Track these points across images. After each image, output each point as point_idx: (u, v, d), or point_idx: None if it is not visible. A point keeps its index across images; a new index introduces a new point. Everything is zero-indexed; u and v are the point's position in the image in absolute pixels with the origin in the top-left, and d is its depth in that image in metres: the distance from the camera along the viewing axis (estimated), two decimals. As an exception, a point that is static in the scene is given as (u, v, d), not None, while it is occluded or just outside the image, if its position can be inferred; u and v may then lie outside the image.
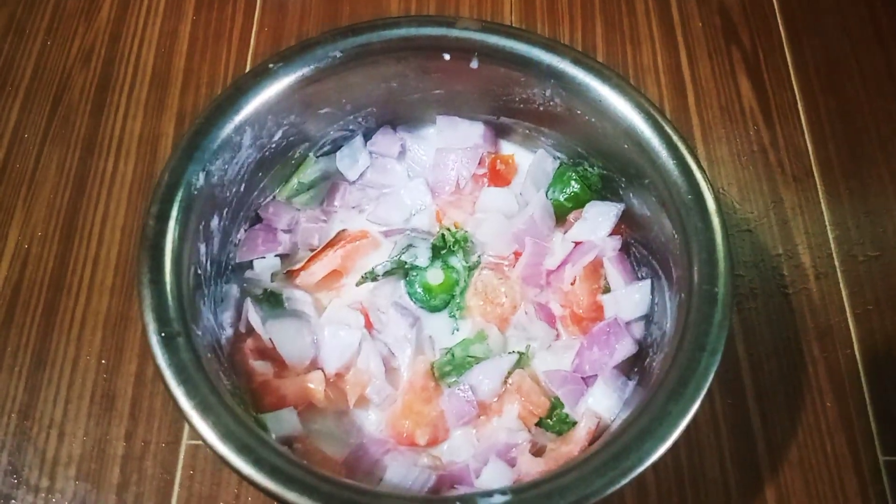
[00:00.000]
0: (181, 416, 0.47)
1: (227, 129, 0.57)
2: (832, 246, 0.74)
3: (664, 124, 0.57)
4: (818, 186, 0.77)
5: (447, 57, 0.61)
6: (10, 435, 0.64)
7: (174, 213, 0.53)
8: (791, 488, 0.63)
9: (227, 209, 0.60)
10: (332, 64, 0.60)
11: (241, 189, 0.61)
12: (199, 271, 0.56)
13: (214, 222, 0.58)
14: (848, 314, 0.70)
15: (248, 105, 0.57)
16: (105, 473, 0.63)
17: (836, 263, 0.73)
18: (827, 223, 0.75)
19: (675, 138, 0.56)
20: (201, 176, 0.55)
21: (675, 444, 0.47)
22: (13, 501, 0.61)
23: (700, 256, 0.52)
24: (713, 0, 0.87)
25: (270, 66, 0.59)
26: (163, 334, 0.49)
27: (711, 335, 0.50)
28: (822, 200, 0.76)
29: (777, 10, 0.87)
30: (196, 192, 0.54)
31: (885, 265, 0.72)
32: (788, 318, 0.70)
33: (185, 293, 0.51)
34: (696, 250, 0.53)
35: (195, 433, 0.61)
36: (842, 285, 0.72)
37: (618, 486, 0.45)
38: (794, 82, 0.82)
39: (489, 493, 0.45)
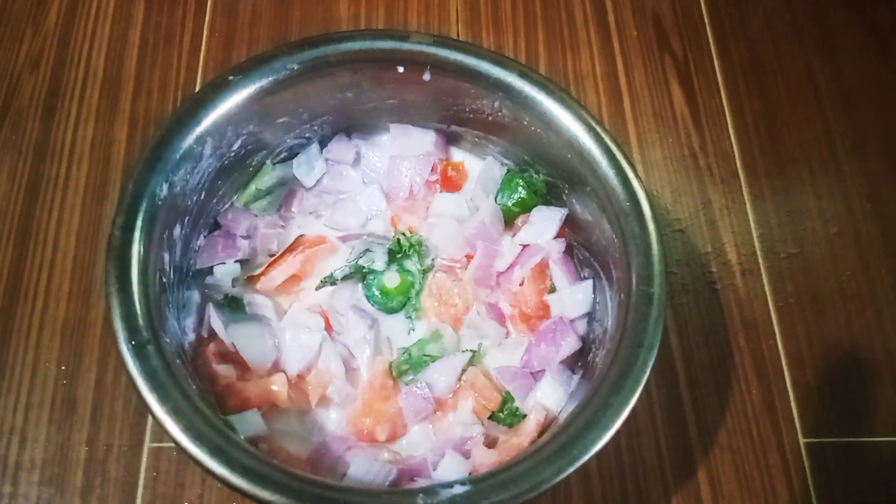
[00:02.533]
0: (155, 421, 0.49)
1: (189, 140, 0.58)
2: (756, 244, 0.79)
3: (604, 135, 0.61)
4: (743, 188, 0.82)
5: (401, 69, 0.64)
6: (-31, 442, 0.64)
7: (139, 223, 0.55)
8: (721, 470, 0.69)
9: (188, 217, 0.61)
10: (290, 76, 0.62)
11: (202, 197, 0.62)
12: (164, 279, 0.57)
13: (177, 231, 0.60)
14: (771, 307, 0.76)
15: (208, 117, 0.59)
16: (68, 477, 0.64)
17: (760, 260, 0.78)
18: (751, 222, 0.80)
19: (613, 148, 0.60)
20: (164, 186, 0.57)
21: (617, 433, 0.51)
22: (-24, 508, 0.62)
23: (637, 259, 0.57)
24: (647, 9, 0.92)
25: (230, 78, 0.60)
26: (133, 342, 0.50)
27: (648, 332, 0.54)
28: (747, 201, 0.81)
29: (706, 19, 0.92)
30: (160, 203, 0.56)
31: (804, 261, 0.78)
32: (717, 312, 0.75)
33: (153, 301, 0.53)
34: (633, 253, 0.57)
35: (160, 436, 0.65)
36: (765, 280, 0.77)
37: (566, 474, 0.49)
38: (721, 88, 0.88)
39: (449, 484, 0.49)
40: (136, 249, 0.54)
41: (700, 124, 0.85)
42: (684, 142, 0.84)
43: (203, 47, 0.84)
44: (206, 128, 0.59)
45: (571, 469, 0.50)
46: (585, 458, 0.50)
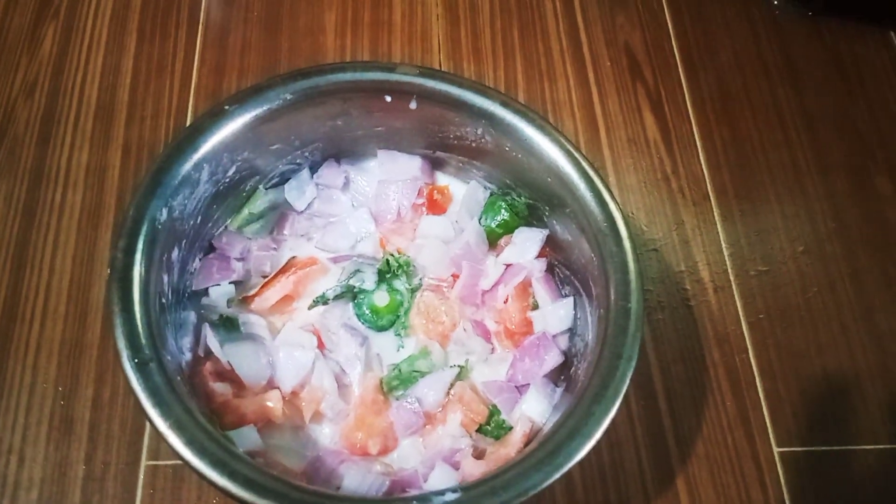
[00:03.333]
0: (159, 436, 0.51)
1: (187, 166, 0.61)
2: (727, 262, 0.83)
3: (581, 161, 0.64)
4: (714, 209, 0.86)
5: (388, 98, 0.67)
6: (-32, 462, 0.66)
7: (140, 246, 0.57)
8: (698, 478, 0.72)
9: (185, 241, 0.64)
10: (283, 105, 0.65)
11: (198, 221, 0.65)
12: (163, 300, 0.60)
13: (175, 253, 0.62)
14: (742, 323, 0.80)
15: (206, 143, 0.62)
16: (67, 495, 0.65)
17: (731, 278, 0.82)
18: (722, 242, 0.84)
19: (591, 173, 0.64)
20: (164, 211, 0.59)
21: (599, 442, 0.54)
22: (-26, 527, 0.64)
23: (615, 276, 0.60)
24: (619, 41, 0.97)
25: (226, 107, 0.63)
26: (136, 360, 0.53)
27: (627, 344, 0.57)
28: (717, 222, 0.85)
29: (676, 51, 0.97)
30: (159, 227, 0.59)
31: (773, 279, 0.82)
32: (692, 327, 0.79)
33: (154, 321, 0.56)
34: (611, 271, 0.60)
35: (157, 453, 0.67)
36: (736, 297, 0.81)
37: (552, 480, 0.52)
38: (691, 115, 0.92)
39: (441, 492, 0.51)
40: (138, 271, 0.56)
41: (672, 150, 0.89)
42: (657, 166, 0.88)
43: (194, 76, 0.87)
44: (203, 154, 0.62)
45: (557, 475, 0.52)
46: (570, 464, 0.53)
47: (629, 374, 0.56)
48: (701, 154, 0.89)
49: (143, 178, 0.60)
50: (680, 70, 0.95)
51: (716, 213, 0.86)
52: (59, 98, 0.84)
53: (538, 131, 0.65)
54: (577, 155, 0.64)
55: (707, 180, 0.88)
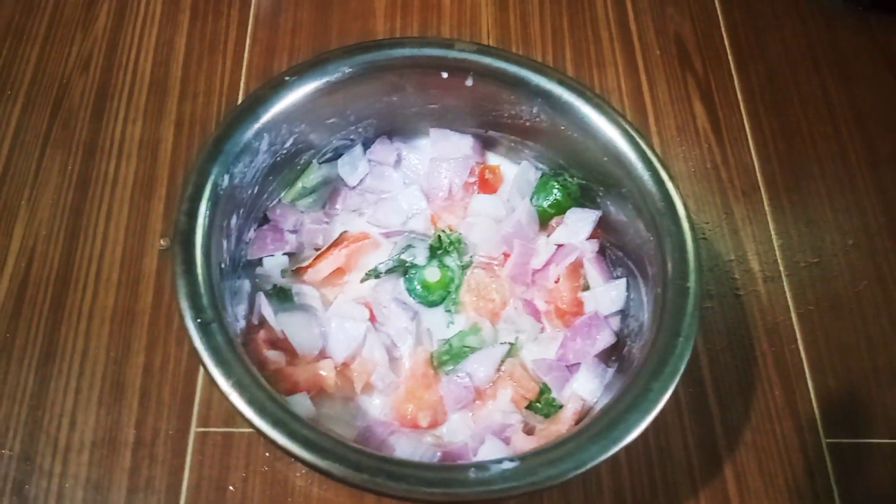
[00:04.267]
0: (228, 405, 0.51)
1: (248, 134, 0.62)
2: (777, 253, 0.82)
3: (639, 140, 0.64)
4: (764, 200, 0.85)
5: (445, 75, 0.67)
6: (21, 423, 0.66)
7: (202, 209, 0.58)
8: (746, 466, 0.71)
9: (242, 209, 0.64)
10: (342, 78, 0.65)
11: (255, 191, 0.65)
12: (223, 266, 0.60)
13: (233, 221, 0.62)
14: (792, 313, 0.79)
15: (266, 113, 0.62)
16: (117, 458, 0.66)
17: (781, 268, 0.81)
18: (772, 233, 0.83)
19: (648, 152, 0.64)
20: (226, 177, 0.60)
21: (647, 427, 0.54)
22: (27, 486, 0.64)
23: (673, 255, 0.60)
24: (669, 31, 0.96)
25: (287, 78, 0.64)
26: (199, 320, 0.53)
27: (685, 323, 0.57)
28: (767, 212, 0.85)
29: (726, 42, 0.96)
30: (221, 192, 0.59)
31: (823, 271, 0.81)
32: (740, 317, 0.78)
33: (215, 283, 0.56)
34: (669, 250, 0.60)
35: (206, 420, 0.67)
36: (786, 288, 0.80)
37: (609, 454, 0.52)
38: (741, 106, 0.91)
39: (499, 461, 0.51)
40: (200, 234, 0.57)
41: (722, 139, 0.89)
42: (707, 155, 0.87)
43: (246, 55, 0.88)
44: (263, 123, 0.62)
45: (614, 449, 0.52)
46: (627, 439, 0.52)
47: (687, 353, 0.56)
48: (751, 144, 0.89)
49: (204, 144, 0.60)
50: (730, 61, 0.94)
51: (766, 204, 0.85)
52: (113, 72, 0.85)
53: (595, 110, 0.65)
54: (634, 134, 0.64)
55: (757, 171, 0.87)
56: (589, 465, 0.51)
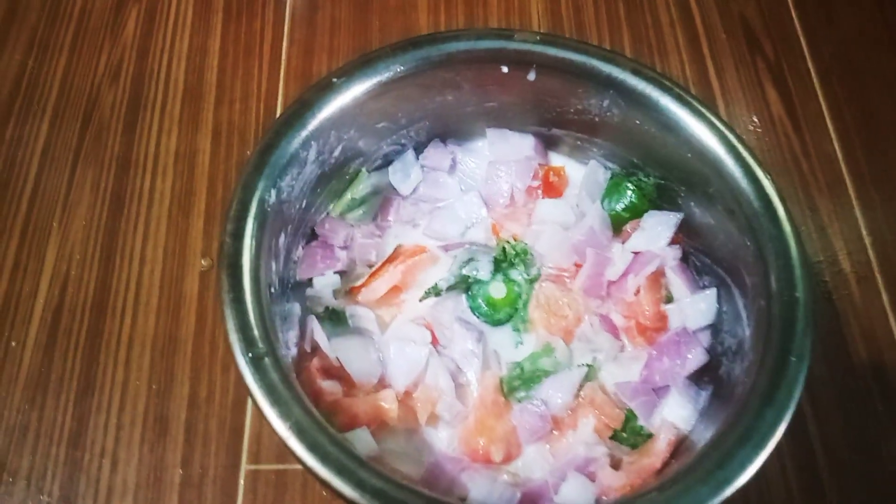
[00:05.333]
0: (279, 440, 0.45)
1: (295, 143, 0.56)
2: (870, 251, 0.75)
3: (728, 134, 0.57)
4: (851, 193, 0.78)
5: (505, 69, 0.61)
6: (60, 465, 0.62)
7: (249, 229, 0.52)
8: (849, 490, 0.64)
9: (290, 226, 0.59)
10: (393, 78, 0.59)
11: (303, 205, 0.60)
12: (272, 290, 0.54)
13: (282, 239, 0.57)
14: (890, 317, 0.71)
15: (314, 119, 0.57)
16: (163, 502, 0.61)
17: (875, 268, 0.74)
18: (862, 229, 0.76)
19: (740, 148, 0.57)
20: (273, 192, 0.54)
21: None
22: (68, 534, 0.59)
23: (776, 263, 0.53)
24: (734, 12, 0.89)
25: (334, 80, 0.58)
26: (251, 355, 0.47)
27: (796, 340, 0.50)
28: (855, 207, 0.77)
29: (796, 20, 0.88)
30: (268, 209, 0.54)
31: (922, 269, 0.74)
32: (834, 323, 0.71)
33: (266, 311, 0.50)
34: (771, 257, 0.53)
35: (257, 457, 0.62)
36: (882, 289, 0.73)
37: (724, 496, 0.45)
38: (818, 91, 0.84)
39: (597, 509, 0.45)
40: (248, 257, 0.51)
41: (800, 128, 0.81)
42: (784, 146, 0.80)
43: (283, 57, 0.82)
44: (311, 131, 0.57)
45: (729, 490, 0.45)
46: (744, 477, 0.46)
47: (802, 375, 0.49)
48: (832, 132, 0.81)
49: (249, 156, 0.55)
50: (802, 42, 0.87)
51: (853, 198, 0.77)
52: (144, 81, 0.80)
53: (676, 102, 0.59)
54: (722, 126, 0.57)
55: (841, 161, 0.79)
56: (699, 512, 0.45)
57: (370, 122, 0.62)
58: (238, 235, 0.51)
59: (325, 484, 0.44)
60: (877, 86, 0.85)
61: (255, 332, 0.48)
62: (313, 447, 0.45)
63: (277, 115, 0.78)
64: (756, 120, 0.81)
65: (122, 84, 0.80)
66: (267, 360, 0.48)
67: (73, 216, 0.72)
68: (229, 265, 0.50)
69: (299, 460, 0.45)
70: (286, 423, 0.46)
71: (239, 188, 0.53)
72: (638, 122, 0.61)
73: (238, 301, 0.49)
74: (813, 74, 0.85)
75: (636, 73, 0.60)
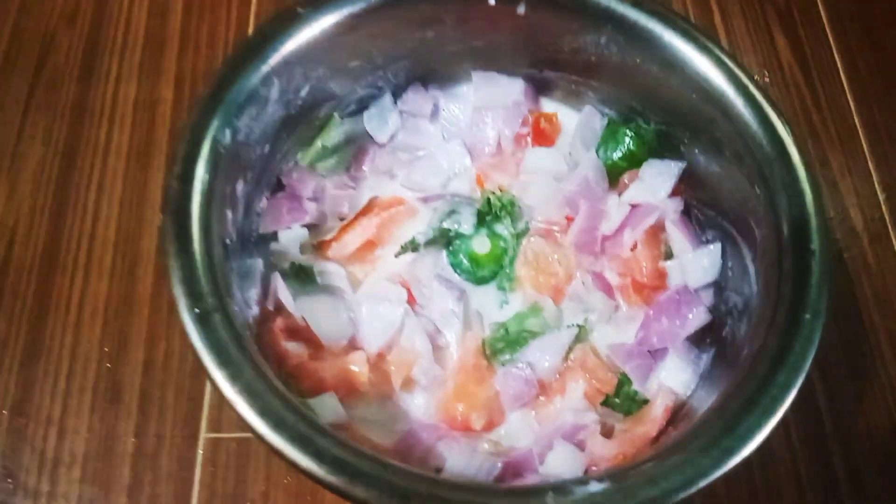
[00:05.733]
0: (223, 403, 0.40)
1: (254, 79, 0.50)
2: (883, 208, 0.70)
3: (738, 71, 0.52)
4: (864, 147, 0.73)
5: (492, 2, 0.55)
6: (2, 434, 0.56)
7: (199, 173, 0.47)
8: (860, 460, 0.59)
9: (251, 172, 0.53)
10: (367, 9, 0.54)
11: (266, 150, 0.54)
12: (227, 242, 0.49)
13: (240, 187, 0.51)
14: (905, 279, 0.67)
15: (275, 53, 0.51)
16: (114, 473, 0.56)
17: (890, 226, 0.69)
18: (876, 185, 0.71)
19: (750, 86, 0.52)
20: (227, 132, 0.48)
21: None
22: (11, 509, 0.54)
23: (791, 212, 0.48)
24: (742, -45, 0.83)
25: (299, 10, 0.52)
26: (197, 310, 0.42)
27: (811, 296, 0.45)
28: (869, 161, 0.72)
29: (807, -36, 0.82)
30: (222, 151, 0.48)
31: (940, 227, 0.69)
32: (846, 284, 0.66)
33: (217, 264, 0.45)
34: (783, 206, 0.48)
35: (218, 425, 0.57)
36: (897, 249, 0.68)
37: (727, 467, 0.40)
38: (830, 38, 0.78)
39: (584, 481, 0.40)
40: (197, 203, 0.46)
41: (811, 78, 0.76)
42: (795, 96, 0.75)
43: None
44: (273, 66, 0.51)
45: (733, 461, 0.40)
46: (750, 447, 0.41)
47: (818, 334, 0.44)
48: (845, 83, 0.76)
49: (202, 93, 0.49)
50: (814, -15, 0.81)
51: (867, 152, 0.72)
52: (103, 25, 0.74)
53: (681, 36, 0.53)
54: (731, 64, 0.52)
55: (854, 114, 0.74)
56: (700, 484, 0.40)
57: (341, 61, 0.56)
58: (186, 179, 0.46)
59: (278, 453, 0.39)
60: (893, 34, 0.79)
61: (203, 287, 0.43)
62: (265, 412, 0.40)
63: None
64: (764, 69, 0.76)
65: (79, 28, 0.73)
66: (216, 316, 0.42)
67: (22, 168, 0.66)
68: (175, 211, 0.45)
69: (249, 427, 0.40)
70: (235, 386, 0.40)
71: (189, 127, 0.47)
72: (638, 60, 0.55)
73: (184, 252, 0.43)
74: (825, 20, 0.79)
75: (636, 5, 0.54)
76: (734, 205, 0.53)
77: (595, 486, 0.39)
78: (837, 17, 0.79)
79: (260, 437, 0.40)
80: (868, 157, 0.72)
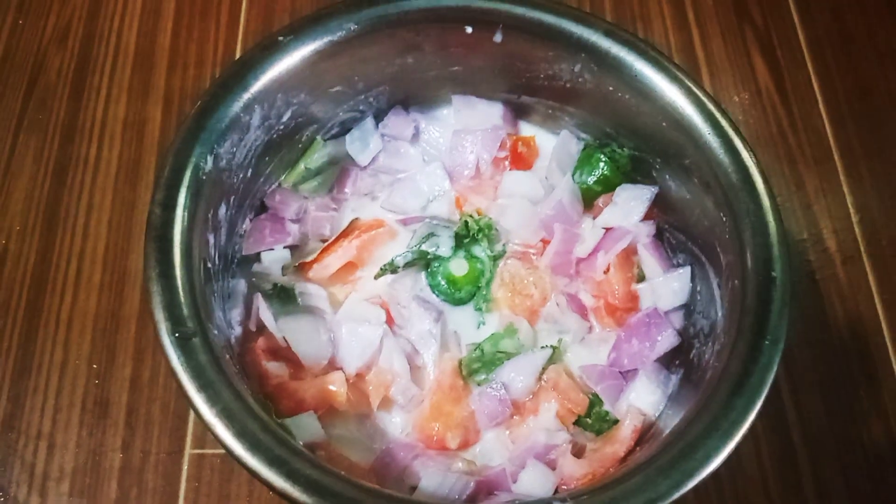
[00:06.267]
0: (203, 425, 0.42)
1: (236, 107, 0.52)
2: (857, 230, 0.71)
3: (706, 101, 0.53)
4: (839, 169, 0.74)
5: (469, 29, 0.57)
6: (-8, 449, 0.58)
7: (181, 199, 0.48)
8: (830, 482, 0.61)
9: (233, 196, 0.55)
10: (347, 37, 0.55)
11: (248, 175, 0.56)
12: (209, 265, 0.50)
13: (222, 211, 0.53)
14: (877, 300, 0.68)
15: (257, 81, 0.53)
16: (101, 488, 0.57)
17: (862, 248, 0.70)
18: (850, 207, 0.72)
19: (718, 115, 0.53)
20: (209, 159, 0.50)
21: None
22: (-1, 522, 0.56)
23: (753, 240, 0.49)
24: (722, -23, 0.84)
25: (280, 38, 0.54)
26: (177, 335, 0.44)
27: (772, 323, 0.46)
28: (843, 183, 0.73)
29: (787, -13, 0.84)
30: (204, 178, 0.50)
31: (911, 249, 0.70)
32: (818, 305, 0.67)
33: (198, 288, 0.46)
34: (748, 233, 0.50)
35: (203, 441, 0.58)
36: (868, 271, 0.69)
37: (685, 489, 0.42)
38: (808, 61, 0.80)
39: (546, 501, 0.41)
40: (179, 229, 0.47)
41: (787, 100, 0.77)
42: (771, 118, 0.76)
43: (242, 19, 0.78)
44: (254, 94, 0.53)
45: (691, 483, 0.42)
46: (707, 469, 0.42)
47: (776, 360, 0.46)
48: (821, 105, 0.77)
49: (184, 120, 0.51)
50: (792, 8, 0.82)
51: (841, 174, 0.74)
52: (93, 45, 0.75)
53: (652, 66, 0.54)
54: (700, 94, 0.53)
55: (830, 136, 0.76)
56: (660, 506, 0.41)
57: (323, 86, 0.58)
58: (169, 206, 0.47)
59: (253, 474, 0.41)
60: (870, 56, 0.81)
61: (184, 311, 0.45)
62: (241, 434, 0.41)
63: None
64: (742, 91, 0.77)
65: (70, 47, 0.75)
66: (196, 340, 0.44)
67: (13, 186, 0.68)
68: (157, 237, 0.46)
69: (226, 448, 0.41)
70: (213, 409, 0.42)
71: (171, 154, 0.49)
72: (611, 88, 0.57)
73: (165, 276, 0.45)
74: (803, 43, 0.81)
75: (609, 34, 0.56)
76: (702, 230, 0.54)
77: (558, 508, 0.41)
78: (816, 40, 0.81)
79: (237, 459, 0.41)
80: (842, 179, 0.73)
